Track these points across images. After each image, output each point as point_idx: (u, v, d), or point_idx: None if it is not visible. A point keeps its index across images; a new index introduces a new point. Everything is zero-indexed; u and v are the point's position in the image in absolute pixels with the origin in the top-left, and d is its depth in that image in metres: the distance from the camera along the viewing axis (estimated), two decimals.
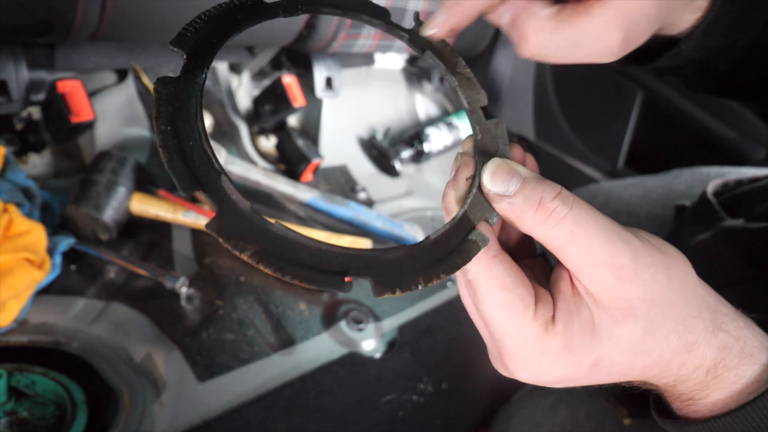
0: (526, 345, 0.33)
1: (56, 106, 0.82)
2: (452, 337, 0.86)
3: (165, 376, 0.66)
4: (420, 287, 0.30)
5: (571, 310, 0.33)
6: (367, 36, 1.18)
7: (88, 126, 0.84)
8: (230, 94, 1.15)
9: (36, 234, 0.74)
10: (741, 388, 0.34)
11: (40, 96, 0.85)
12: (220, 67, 1.15)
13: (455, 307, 0.92)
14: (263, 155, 1.17)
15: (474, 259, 0.32)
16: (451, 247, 0.32)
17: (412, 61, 1.52)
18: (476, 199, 0.34)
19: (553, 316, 0.33)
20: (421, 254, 0.31)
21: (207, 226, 0.29)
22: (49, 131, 0.87)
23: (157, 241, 0.87)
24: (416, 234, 1.04)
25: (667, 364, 0.34)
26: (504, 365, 0.36)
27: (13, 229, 0.74)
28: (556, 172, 1.51)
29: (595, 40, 0.35)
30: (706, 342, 0.34)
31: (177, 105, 0.31)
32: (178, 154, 0.29)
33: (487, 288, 0.33)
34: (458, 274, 0.34)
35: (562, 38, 0.35)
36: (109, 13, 0.80)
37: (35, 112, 0.92)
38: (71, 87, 0.82)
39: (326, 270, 0.29)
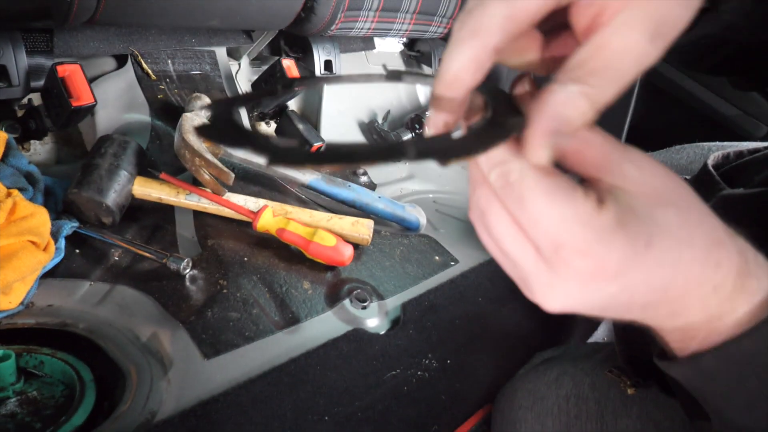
0: (584, 227, 0.30)
1: (56, 90, 0.82)
2: (456, 315, 0.86)
3: (171, 354, 0.66)
4: (479, 153, 0.29)
5: (609, 191, 0.32)
6: (365, 18, 1.17)
7: (89, 110, 0.84)
8: (230, 79, 1.15)
9: (40, 218, 0.75)
10: (762, 299, 0.34)
11: (40, 82, 0.86)
12: (219, 52, 1.14)
13: (458, 285, 0.92)
14: None
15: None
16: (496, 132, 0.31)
17: (410, 44, 1.52)
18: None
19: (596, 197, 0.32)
20: (470, 136, 0.31)
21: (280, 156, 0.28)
22: (50, 117, 0.87)
23: (159, 225, 0.87)
24: (419, 216, 1.04)
25: (706, 260, 0.32)
26: (557, 269, 0.32)
27: (17, 213, 0.74)
28: None
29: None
30: (729, 242, 0.33)
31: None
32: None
33: (535, 179, 0.31)
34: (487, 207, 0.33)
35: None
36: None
37: (36, 99, 0.92)
38: (70, 71, 0.82)
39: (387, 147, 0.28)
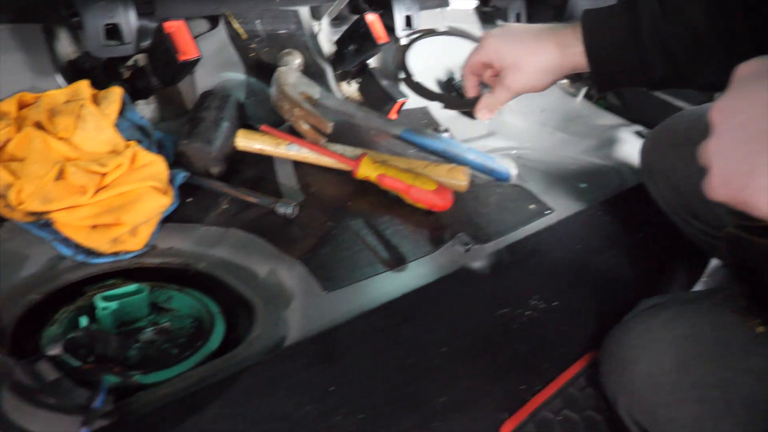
0: None
1: (163, 46, 0.85)
2: (557, 261, 0.86)
3: (292, 287, 0.69)
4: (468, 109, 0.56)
5: None
6: None
7: (194, 64, 0.87)
8: (313, 38, 1.17)
9: (159, 165, 0.78)
10: None
11: (146, 42, 0.89)
12: (302, 11, 1.16)
13: (556, 232, 0.92)
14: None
15: None
16: None
17: (486, 1, 1.50)
18: None
19: None
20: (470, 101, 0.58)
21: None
22: (156, 74, 0.91)
23: (261, 176, 0.90)
24: (509, 167, 1.03)
25: None
26: None
27: (137, 161, 0.78)
28: (644, 105, 1.47)
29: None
30: None
31: None
32: None
33: None
34: None
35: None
36: None
37: (140, 60, 0.96)
38: (176, 27, 0.85)
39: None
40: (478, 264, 0.81)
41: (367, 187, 0.90)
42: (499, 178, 1.04)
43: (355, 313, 0.67)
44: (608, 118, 1.49)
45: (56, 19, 0.88)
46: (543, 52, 0.73)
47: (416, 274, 0.76)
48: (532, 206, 0.98)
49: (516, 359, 0.70)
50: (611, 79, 0.73)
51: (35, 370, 0.49)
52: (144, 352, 0.63)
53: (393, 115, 1.14)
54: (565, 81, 1.63)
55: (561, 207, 1.00)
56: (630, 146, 1.30)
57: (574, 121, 1.47)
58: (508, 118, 1.39)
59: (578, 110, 1.53)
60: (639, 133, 1.38)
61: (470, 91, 0.85)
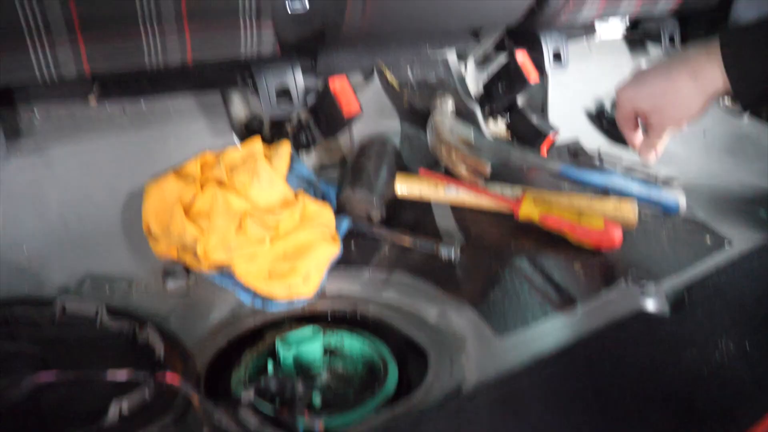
0: None
1: (329, 102, 0.90)
2: (745, 297, 0.78)
3: (462, 331, 0.69)
4: None
5: None
6: (593, 3, 1.14)
7: (356, 118, 0.92)
8: (462, 82, 1.18)
9: (327, 214, 0.83)
10: None
11: (310, 99, 0.96)
12: (450, 57, 1.19)
13: (740, 267, 0.84)
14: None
15: None
16: None
17: (634, 25, 1.44)
18: None
19: None
20: None
21: None
22: (320, 129, 0.96)
23: (419, 220, 0.92)
24: (677, 197, 0.97)
25: None
26: None
27: (306, 211, 0.83)
28: None
29: None
30: None
31: None
32: None
33: None
34: None
35: None
36: (368, 14, 0.87)
37: (303, 115, 1.03)
38: (341, 84, 0.90)
39: None
40: (652, 305, 0.76)
41: (528, 228, 0.88)
42: (668, 210, 0.97)
43: (531, 358, 0.65)
44: None
45: (232, 84, 0.97)
46: (677, 90, 0.73)
47: (590, 317, 0.73)
48: (708, 238, 0.90)
49: (709, 408, 0.64)
50: (760, 97, 0.70)
51: (239, 417, 0.53)
52: (323, 396, 0.65)
53: (543, 152, 1.12)
54: (726, 100, 1.50)
55: (740, 238, 0.92)
56: None
57: (741, 142, 1.35)
58: (668, 144, 1.30)
59: (746, 130, 1.40)
60: None
61: (632, 142, 0.85)
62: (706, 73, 0.70)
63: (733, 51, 0.69)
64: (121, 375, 0.53)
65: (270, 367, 0.66)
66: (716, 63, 0.69)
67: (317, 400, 0.64)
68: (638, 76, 0.79)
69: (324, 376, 0.68)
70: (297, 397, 0.61)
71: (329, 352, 0.72)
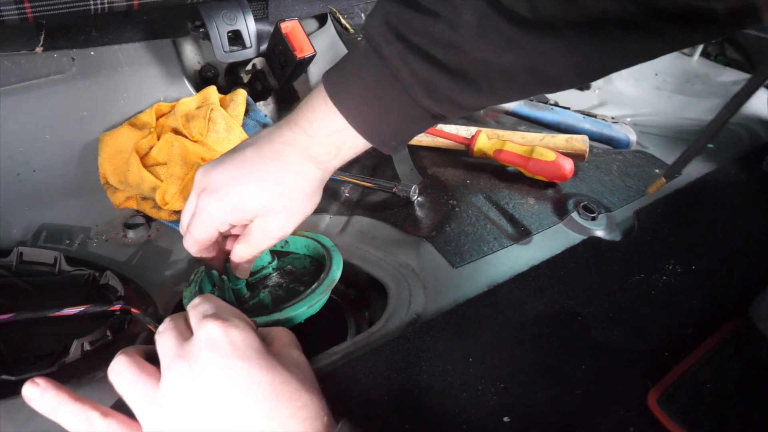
0: None
1: (281, 47, 0.89)
2: (691, 223, 0.82)
3: (421, 265, 0.71)
4: None
5: None
6: None
7: (310, 61, 0.91)
8: None
9: None
10: None
11: (263, 45, 0.94)
12: None
13: (687, 195, 0.88)
14: None
15: None
16: None
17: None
18: None
19: None
20: None
21: None
22: (274, 75, 0.96)
23: (378, 164, 0.93)
24: (628, 132, 0.99)
25: None
26: None
27: None
28: None
29: None
30: None
31: None
32: None
33: None
34: None
35: None
36: None
37: (258, 64, 1.02)
38: (292, 27, 0.89)
39: None
40: (605, 232, 0.79)
41: (483, 165, 0.90)
42: (619, 146, 1.00)
43: (486, 286, 0.68)
44: (731, 75, 1.38)
45: (182, 33, 0.95)
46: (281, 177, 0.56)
47: (543, 246, 0.75)
48: (657, 171, 0.94)
49: (657, 326, 0.67)
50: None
51: None
52: (276, 293, 0.67)
53: None
54: None
55: (689, 169, 0.95)
56: (758, 100, 1.20)
57: (692, 81, 1.38)
58: (620, 85, 1.33)
59: (696, 69, 1.43)
60: None
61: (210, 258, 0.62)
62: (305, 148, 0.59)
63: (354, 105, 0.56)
64: (79, 310, 0.53)
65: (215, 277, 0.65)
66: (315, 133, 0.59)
67: (267, 299, 0.65)
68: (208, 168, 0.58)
69: (275, 277, 0.69)
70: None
71: (276, 255, 0.72)
